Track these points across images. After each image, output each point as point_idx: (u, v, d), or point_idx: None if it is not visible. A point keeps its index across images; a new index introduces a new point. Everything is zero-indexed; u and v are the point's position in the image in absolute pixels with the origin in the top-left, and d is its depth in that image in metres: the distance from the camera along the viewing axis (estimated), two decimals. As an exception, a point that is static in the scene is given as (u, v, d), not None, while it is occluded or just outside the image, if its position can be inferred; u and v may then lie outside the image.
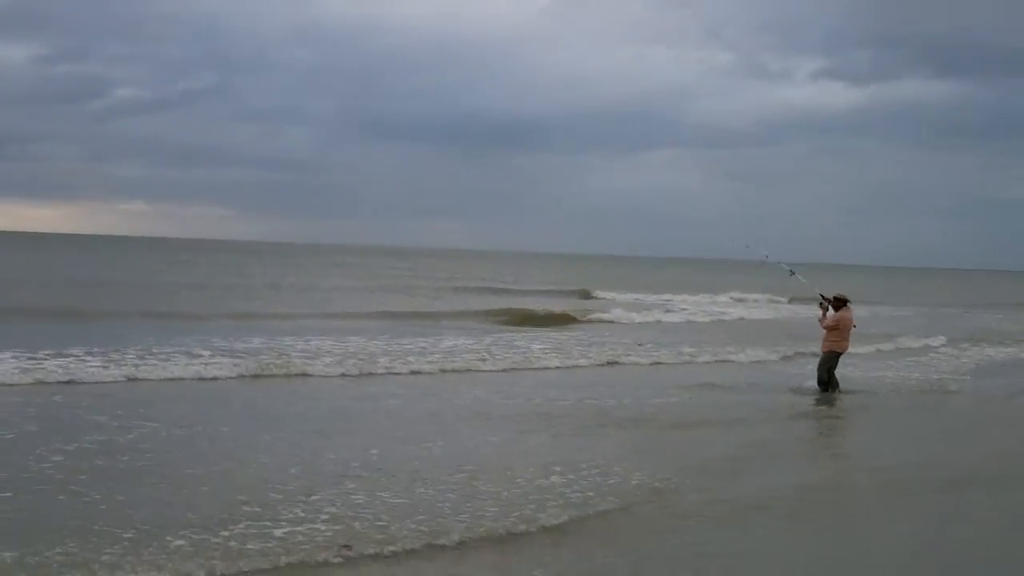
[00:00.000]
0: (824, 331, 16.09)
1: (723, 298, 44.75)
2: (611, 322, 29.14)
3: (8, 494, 7.76)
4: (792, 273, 17.34)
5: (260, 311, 26.69)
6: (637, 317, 30.59)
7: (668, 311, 34.67)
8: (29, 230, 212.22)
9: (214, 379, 14.54)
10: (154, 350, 16.07)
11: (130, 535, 6.77)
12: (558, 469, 9.28)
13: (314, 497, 7.91)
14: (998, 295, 63.94)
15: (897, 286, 75.36)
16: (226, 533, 6.84)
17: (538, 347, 20.44)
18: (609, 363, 18.88)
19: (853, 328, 16.16)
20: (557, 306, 32.97)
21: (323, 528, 7.11)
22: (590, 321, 29.00)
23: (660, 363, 19.23)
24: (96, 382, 13.58)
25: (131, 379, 14.01)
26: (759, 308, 39.89)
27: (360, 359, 16.92)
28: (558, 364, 18.24)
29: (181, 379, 14.35)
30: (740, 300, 44.44)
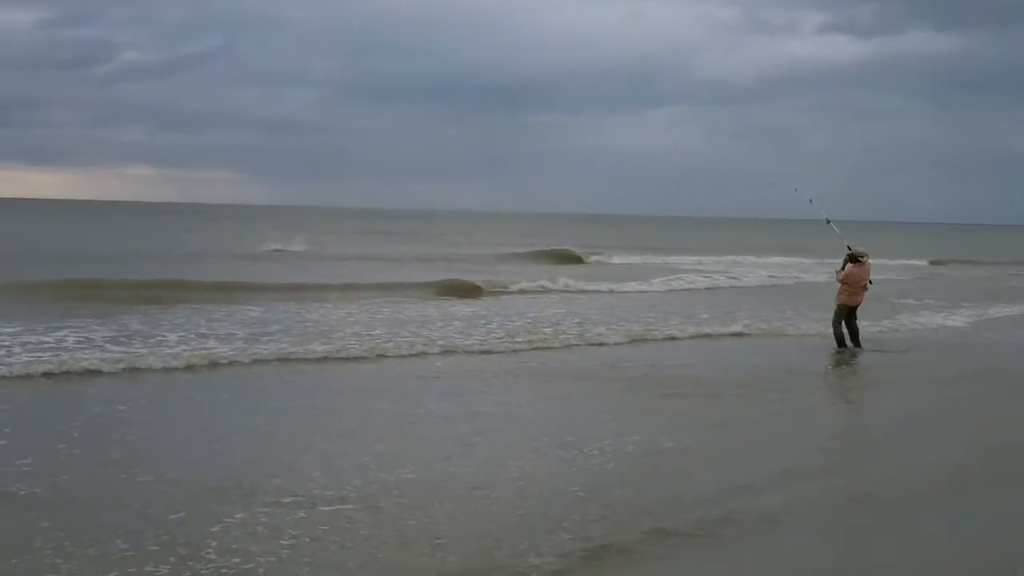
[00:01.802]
0: (839, 284, 16.29)
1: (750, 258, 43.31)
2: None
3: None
4: (828, 222, 17.33)
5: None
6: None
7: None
8: (34, 196, 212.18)
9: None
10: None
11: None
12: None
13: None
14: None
15: (924, 243, 73.32)
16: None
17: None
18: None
19: (869, 284, 16.34)
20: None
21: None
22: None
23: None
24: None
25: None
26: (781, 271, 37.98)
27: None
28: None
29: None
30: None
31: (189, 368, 11.99)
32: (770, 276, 32.92)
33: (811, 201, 17.84)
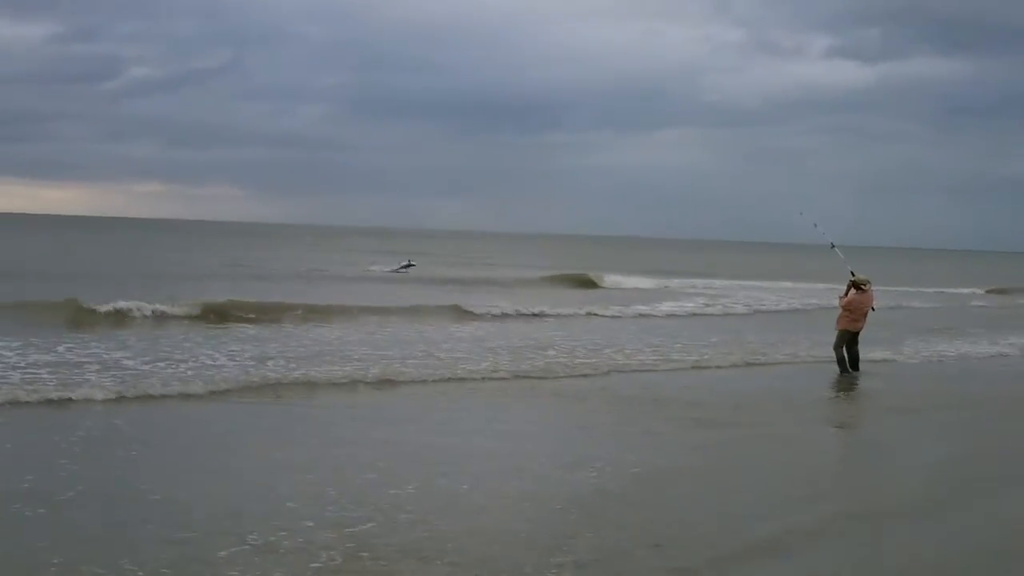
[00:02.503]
0: (841, 310, 16.40)
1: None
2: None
3: None
4: (833, 247, 17.47)
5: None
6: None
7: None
8: (42, 212, 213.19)
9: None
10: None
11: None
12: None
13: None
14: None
15: (931, 270, 73.00)
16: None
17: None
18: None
19: (871, 311, 16.46)
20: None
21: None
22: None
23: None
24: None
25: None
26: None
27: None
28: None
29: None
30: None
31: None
32: (785, 300, 32.91)
33: (816, 226, 18.03)
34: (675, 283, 41.35)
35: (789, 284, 42.80)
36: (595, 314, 24.47)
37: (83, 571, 5.66)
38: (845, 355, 16.05)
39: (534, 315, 23.22)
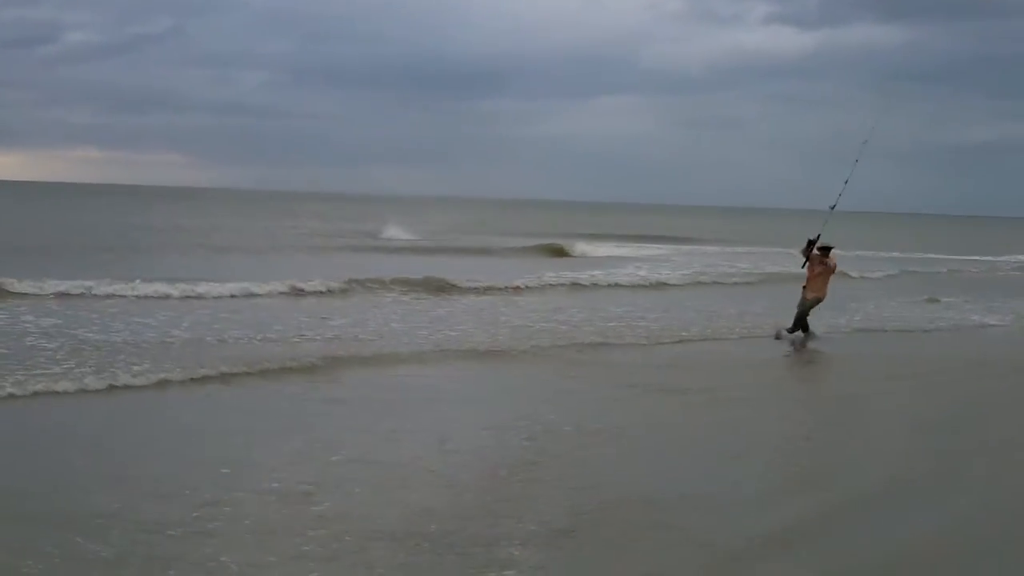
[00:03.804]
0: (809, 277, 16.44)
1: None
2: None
3: None
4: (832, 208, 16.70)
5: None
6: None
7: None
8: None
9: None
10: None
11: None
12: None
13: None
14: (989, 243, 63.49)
15: (899, 234, 73.92)
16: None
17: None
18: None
19: (824, 273, 16.33)
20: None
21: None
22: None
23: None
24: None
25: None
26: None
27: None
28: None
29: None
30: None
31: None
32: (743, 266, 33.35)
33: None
34: (650, 250, 41.75)
35: (764, 249, 43.42)
36: (580, 284, 24.21)
37: None
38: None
39: (523, 288, 22.87)
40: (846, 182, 16.68)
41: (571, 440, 8.87)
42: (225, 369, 11.12)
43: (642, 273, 28.09)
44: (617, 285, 24.65)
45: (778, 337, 16.09)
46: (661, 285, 25.35)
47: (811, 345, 15.83)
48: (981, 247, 54.33)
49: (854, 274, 26.42)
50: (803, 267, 16.44)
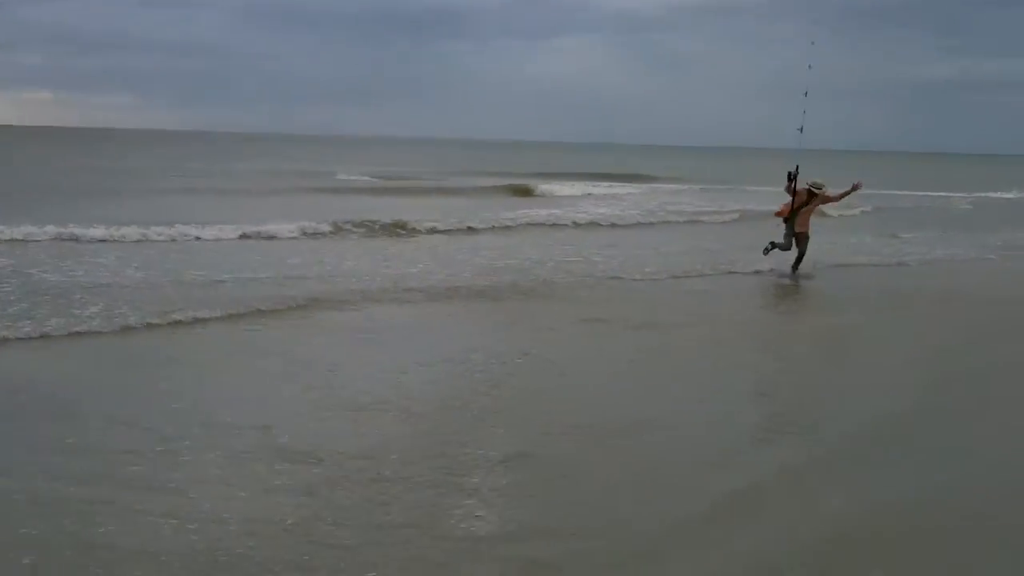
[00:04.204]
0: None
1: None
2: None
3: None
4: (801, 130, 16.59)
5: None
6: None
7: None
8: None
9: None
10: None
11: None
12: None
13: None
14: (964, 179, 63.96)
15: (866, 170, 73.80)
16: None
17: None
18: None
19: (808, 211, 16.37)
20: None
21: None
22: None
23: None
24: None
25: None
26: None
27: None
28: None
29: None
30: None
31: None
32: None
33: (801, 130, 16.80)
34: (617, 189, 41.67)
35: (730, 186, 43.41)
36: (558, 224, 24.05)
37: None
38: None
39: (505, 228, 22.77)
40: (804, 112, 16.52)
41: (524, 370, 8.99)
42: (190, 312, 10.95)
43: (602, 211, 28.08)
44: (592, 224, 24.56)
45: (766, 253, 16.38)
46: (635, 224, 25.21)
47: (789, 282, 15.79)
48: (940, 183, 55.11)
49: (833, 213, 26.49)
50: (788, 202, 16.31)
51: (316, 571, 4.83)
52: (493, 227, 22.44)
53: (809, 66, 16.88)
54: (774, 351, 10.91)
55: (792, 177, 16.27)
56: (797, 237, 16.41)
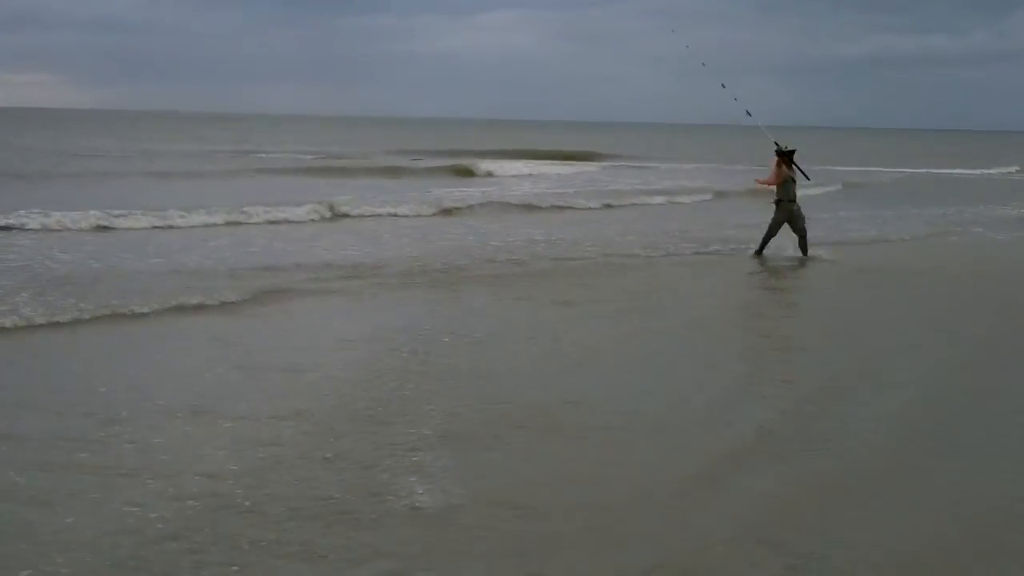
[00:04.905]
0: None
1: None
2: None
3: None
4: (749, 114, 16.62)
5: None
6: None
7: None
8: None
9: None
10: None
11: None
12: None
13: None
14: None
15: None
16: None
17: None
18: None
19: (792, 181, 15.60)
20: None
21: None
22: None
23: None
24: None
25: None
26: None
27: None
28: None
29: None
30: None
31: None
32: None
33: (736, 100, 16.82)
34: (559, 168, 41.14)
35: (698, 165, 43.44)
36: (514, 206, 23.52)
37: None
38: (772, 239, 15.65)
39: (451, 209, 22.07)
40: (736, 99, 16.47)
41: (457, 350, 9.03)
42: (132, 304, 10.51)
43: (539, 190, 27.75)
44: (531, 206, 23.99)
45: (760, 254, 15.62)
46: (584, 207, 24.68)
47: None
48: (881, 158, 56.25)
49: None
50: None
51: (265, 549, 4.86)
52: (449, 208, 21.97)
53: (687, 46, 18.40)
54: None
55: (783, 152, 15.49)
56: (792, 214, 15.50)
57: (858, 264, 15.25)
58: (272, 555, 4.82)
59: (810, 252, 15.58)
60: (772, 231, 15.63)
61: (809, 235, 15.74)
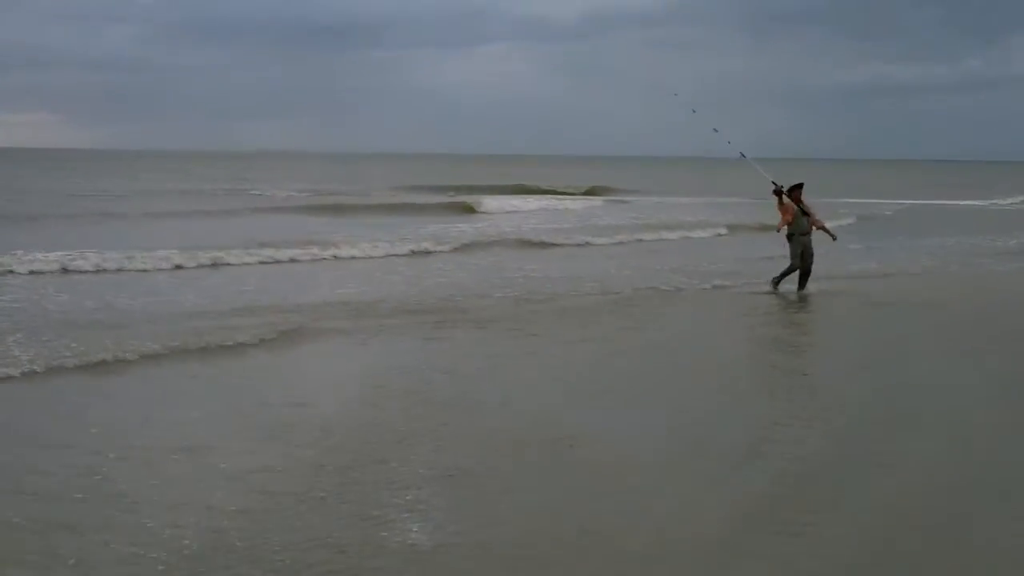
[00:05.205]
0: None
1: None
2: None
3: None
4: (743, 156, 16.67)
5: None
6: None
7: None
8: None
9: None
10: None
11: None
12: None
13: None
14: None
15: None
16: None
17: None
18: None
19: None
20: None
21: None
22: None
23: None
24: None
25: None
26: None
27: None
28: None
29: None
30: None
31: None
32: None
33: (729, 142, 17.06)
34: (555, 203, 40.99)
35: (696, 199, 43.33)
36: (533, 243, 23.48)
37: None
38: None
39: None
40: (729, 142, 16.68)
41: (454, 387, 9.06)
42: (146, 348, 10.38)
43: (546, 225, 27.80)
44: (544, 243, 23.96)
45: (776, 286, 15.45)
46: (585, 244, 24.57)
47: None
48: (881, 190, 56.39)
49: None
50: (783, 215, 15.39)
51: None
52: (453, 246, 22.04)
53: (675, 94, 18.55)
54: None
55: (780, 191, 15.33)
56: (804, 252, 15.31)
57: (881, 298, 15.11)
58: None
59: (809, 287, 15.40)
60: (794, 264, 15.38)
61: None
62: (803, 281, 15.38)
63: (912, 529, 5.72)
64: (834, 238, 16.21)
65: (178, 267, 17.37)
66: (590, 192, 52.39)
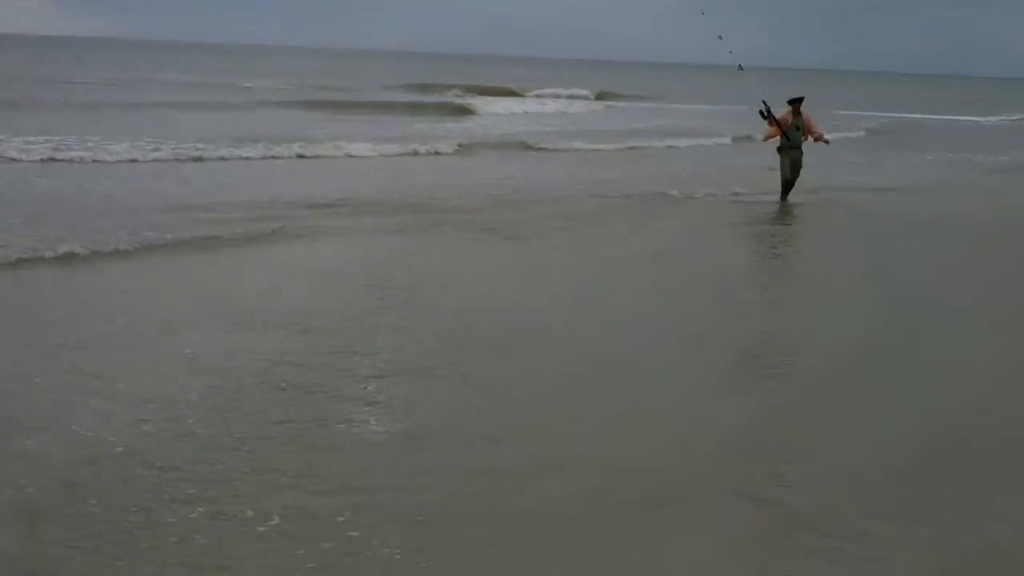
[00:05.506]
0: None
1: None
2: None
3: None
4: (741, 68, 15.97)
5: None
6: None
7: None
8: None
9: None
10: None
11: None
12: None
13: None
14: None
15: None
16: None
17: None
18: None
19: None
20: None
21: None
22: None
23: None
24: None
25: None
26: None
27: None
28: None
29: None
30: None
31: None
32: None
33: (731, 52, 16.14)
34: (539, 106, 40.20)
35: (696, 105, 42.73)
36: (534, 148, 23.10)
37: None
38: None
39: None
40: (731, 52, 15.80)
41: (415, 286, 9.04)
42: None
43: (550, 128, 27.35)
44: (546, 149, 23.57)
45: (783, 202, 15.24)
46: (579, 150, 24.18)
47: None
48: (883, 103, 55.61)
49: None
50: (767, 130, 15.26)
51: (222, 475, 4.92)
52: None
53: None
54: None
55: (767, 114, 15.04)
56: (793, 164, 15.14)
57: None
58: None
59: (791, 199, 15.27)
60: (784, 174, 15.21)
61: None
62: (785, 192, 15.25)
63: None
64: (827, 143, 15.97)
65: (157, 160, 17.01)
66: (600, 97, 51.43)
